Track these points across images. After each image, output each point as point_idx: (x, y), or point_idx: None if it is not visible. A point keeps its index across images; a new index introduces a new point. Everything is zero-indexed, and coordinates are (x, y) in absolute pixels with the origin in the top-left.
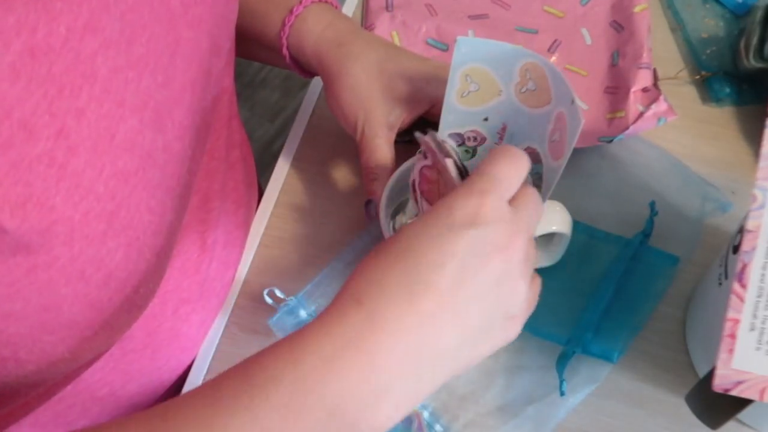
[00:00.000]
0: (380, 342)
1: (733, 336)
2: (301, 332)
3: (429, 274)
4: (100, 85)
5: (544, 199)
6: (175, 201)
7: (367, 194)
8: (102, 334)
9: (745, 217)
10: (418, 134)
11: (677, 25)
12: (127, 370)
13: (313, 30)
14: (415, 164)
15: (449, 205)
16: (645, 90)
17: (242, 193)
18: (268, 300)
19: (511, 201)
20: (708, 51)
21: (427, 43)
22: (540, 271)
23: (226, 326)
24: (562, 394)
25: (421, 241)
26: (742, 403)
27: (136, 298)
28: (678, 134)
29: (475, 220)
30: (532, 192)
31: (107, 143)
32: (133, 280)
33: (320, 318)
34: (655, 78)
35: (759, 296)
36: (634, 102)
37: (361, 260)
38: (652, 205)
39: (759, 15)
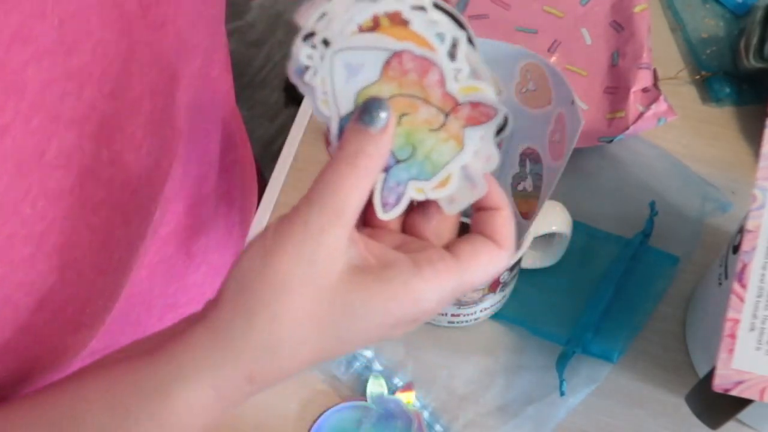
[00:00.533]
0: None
1: (733, 336)
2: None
3: (343, 347)
4: (30, 99)
5: (544, 199)
6: (128, 215)
7: None
8: (47, 357)
9: (745, 217)
10: None
11: (677, 25)
12: None
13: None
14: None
15: (418, 301)
16: (645, 90)
17: (236, 197)
18: None
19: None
20: (708, 51)
21: None
22: (540, 271)
23: None
24: (562, 394)
25: (363, 325)
26: (742, 403)
27: (83, 318)
28: (678, 134)
29: (423, 318)
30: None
31: (35, 161)
32: (75, 302)
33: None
34: (655, 78)
35: (759, 296)
36: (634, 102)
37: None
38: (652, 205)
39: (759, 15)
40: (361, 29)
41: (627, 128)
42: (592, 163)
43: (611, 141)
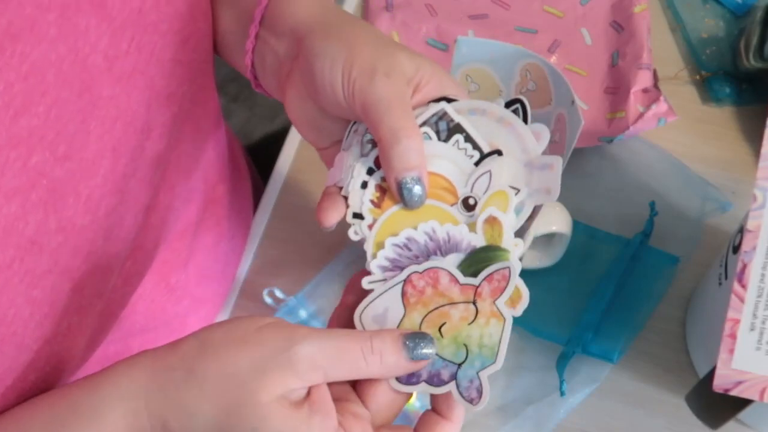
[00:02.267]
0: None
1: (733, 336)
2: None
3: None
4: None
5: None
6: (79, 281)
7: (403, 165)
8: None
9: (745, 217)
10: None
11: (677, 25)
12: None
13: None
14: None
15: None
16: (645, 90)
17: (225, 228)
18: (268, 300)
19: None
20: (708, 51)
21: (427, 43)
22: (540, 271)
23: None
24: (562, 394)
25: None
26: (742, 403)
27: (26, 385)
28: (678, 134)
29: None
30: None
31: None
32: (15, 372)
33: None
34: (655, 78)
35: (759, 296)
36: (635, 102)
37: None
38: (652, 205)
39: (759, 15)
40: (373, 203)
41: (627, 128)
42: (592, 163)
43: (611, 141)
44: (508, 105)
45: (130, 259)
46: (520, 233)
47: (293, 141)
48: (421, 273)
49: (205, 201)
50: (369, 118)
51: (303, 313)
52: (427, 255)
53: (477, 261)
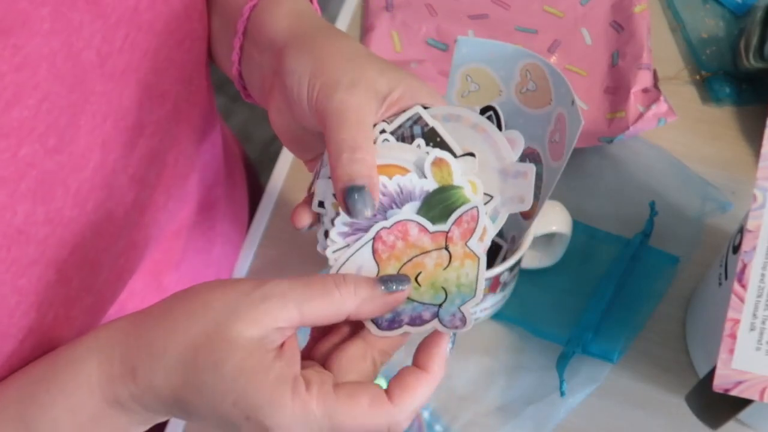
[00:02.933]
0: None
1: (733, 336)
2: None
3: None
4: None
5: (544, 199)
6: (65, 273)
7: (346, 177)
8: None
9: (745, 217)
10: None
11: (677, 25)
12: None
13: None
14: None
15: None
16: (645, 91)
17: (218, 232)
18: None
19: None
20: (708, 51)
21: (427, 43)
22: (540, 271)
23: None
24: (562, 394)
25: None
26: (742, 403)
27: (9, 374)
28: (678, 134)
29: None
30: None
31: None
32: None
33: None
34: (655, 79)
35: (759, 296)
36: (635, 103)
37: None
38: (652, 205)
39: (759, 15)
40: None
41: (627, 128)
42: (592, 163)
43: (611, 141)
44: (481, 112)
45: (122, 256)
46: (520, 234)
47: None
48: (389, 228)
49: (200, 203)
50: (324, 131)
51: None
52: (384, 210)
53: (434, 204)
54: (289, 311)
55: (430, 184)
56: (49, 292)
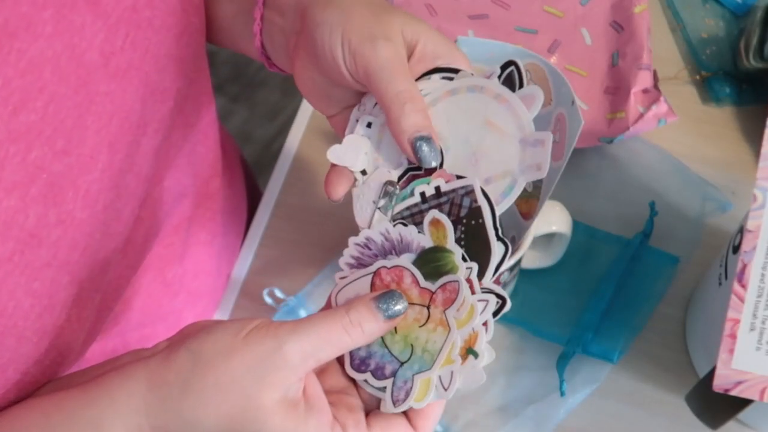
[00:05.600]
0: None
1: (733, 336)
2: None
3: None
4: None
5: (544, 199)
6: (77, 273)
7: (413, 127)
8: None
9: (745, 217)
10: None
11: (677, 25)
12: None
13: None
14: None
15: None
16: (645, 91)
17: (219, 224)
18: (268, 300)
19: None
20: (708, 51)
21: None
22: (540, 271)
23: None
24: (562, 394)
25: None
26: (742, 403)
27: (26, 378)
28: (678, 134)
29: None
30: None
31: None
32: (16, 364)
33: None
34: (655, 79)
35: (759, 296)
36: (635, 103)
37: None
38: (652, 205)
39: (759, 15)
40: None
41: (627, 129)
42: (592, 163)
43: (611, 141)
44: (503, 68)
45: (127, 253)
46: (520, 234)
47: (293, 141)
48: (388, 269)
49: (198, 196)
50: (372, 85)
51: (303, 313)
52: (384, 254)
53: (427, 261)
54: (310, 364)
55: (426, 241)
56: (62, 293)
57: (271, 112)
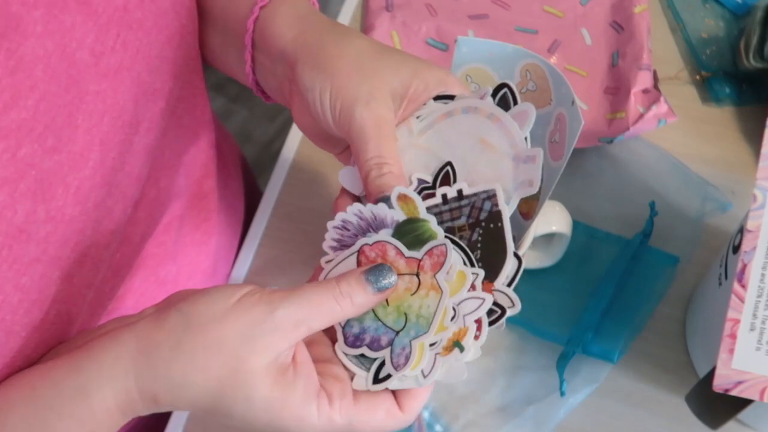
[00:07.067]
0: None
1: (733, 336)
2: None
3: (231, 419)
4: None
5: (544, 199)
6: (68, 269)
7: (376, 190)
8: None
9: (745, 217)
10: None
11: (677, 25)
12: None
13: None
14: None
15: (302, 421)
16: (645, 91)
17: (214, 224)
18: None
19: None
20: (708, 51)
21: (427, 43)
22: (540, 271)
23: None
24: (562, 394)
25: (252, 414)
26: (742, 403)
27: (14, 372)
28: (678, 134)
29: None
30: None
31: None
32: (4, 358)
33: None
34: (655, 79)
35: (759, 296)
36: (635, 103)
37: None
38: (652, 205)
39: (759, 15)
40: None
41: (627, 129)
42: (592, 163)
43: (611, 141)
44: (496, 90)
45: (118, 251)
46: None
47: (293, 141)
48: (371, 245)
49: (191, 195)
50: (351, 148)
51: None
52: (363, 232)
53: (405, 232)
54: (301, 332)
55: (399, 215)
56: (52, 289)
57: (271, 112)
